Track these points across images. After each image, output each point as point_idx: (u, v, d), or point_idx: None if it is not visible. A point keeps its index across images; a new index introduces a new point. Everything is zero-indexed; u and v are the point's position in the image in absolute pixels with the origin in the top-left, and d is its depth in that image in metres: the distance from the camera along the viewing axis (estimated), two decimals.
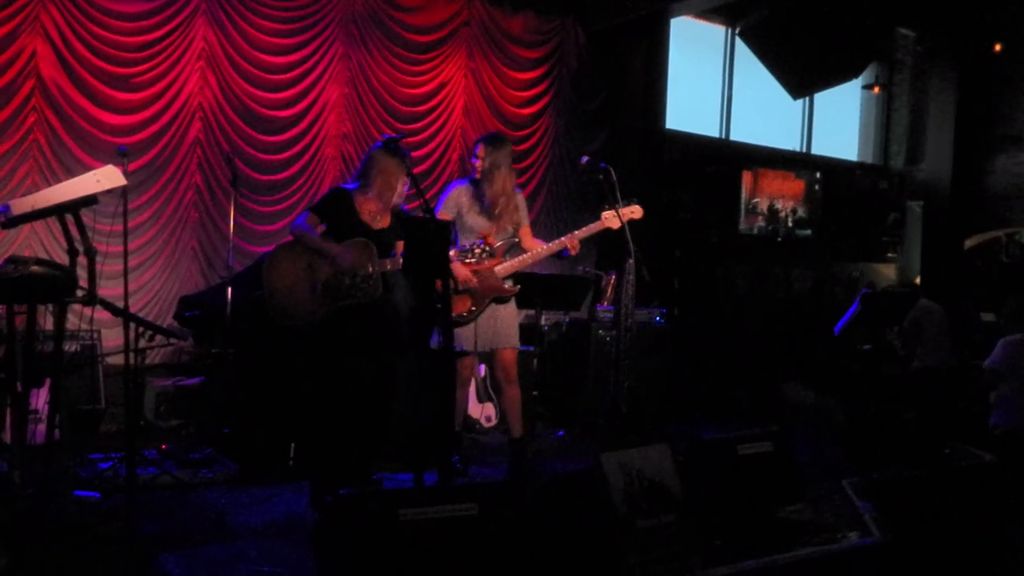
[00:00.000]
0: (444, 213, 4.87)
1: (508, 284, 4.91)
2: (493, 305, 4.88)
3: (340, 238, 4.36)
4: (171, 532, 3.89)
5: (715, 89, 9.57)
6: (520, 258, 4.90)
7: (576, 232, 4.86)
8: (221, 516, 4.17)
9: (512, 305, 4.98)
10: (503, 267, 4.85)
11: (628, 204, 4.90)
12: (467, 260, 4.63)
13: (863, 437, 6.00)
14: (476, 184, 4.91)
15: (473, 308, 4.82)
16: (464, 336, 4.85)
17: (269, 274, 4.32)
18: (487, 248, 4.60)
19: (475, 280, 4.78)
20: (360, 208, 4.43)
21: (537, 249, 4.90)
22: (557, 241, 4.87)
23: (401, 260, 4.36)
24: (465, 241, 4.77)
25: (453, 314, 4.73)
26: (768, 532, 3.90)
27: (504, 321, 4.92)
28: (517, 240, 4.97)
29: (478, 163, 4.88)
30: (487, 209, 4.87)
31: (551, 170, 8.00)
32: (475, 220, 4.88)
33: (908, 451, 5.59)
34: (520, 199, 5.04)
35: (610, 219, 4.86)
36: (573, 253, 4.87)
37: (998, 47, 8.82)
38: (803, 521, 4.09)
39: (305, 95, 6.78)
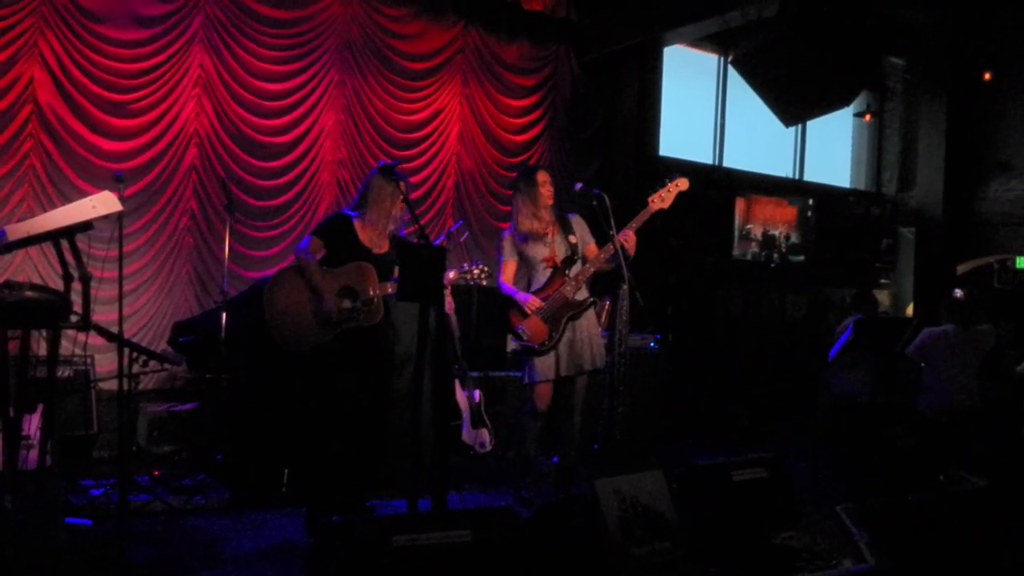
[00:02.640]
0: (508, 258, 5.01)
1: (577, 297, 4.92)
2: (571, 324, 4.89)
3: (341, 262, 4.43)
4: (163, 559, 3.88)
5: (708, 116, 9.63)
6: (582, 267, 4.94)
7: (631, 224, 4.82)
8: (213, 543, 4.15)
9: (589, 318, 4.98)
10: (569, 282, 4.89)
11: (673, 179, 4.97)
12: (536, 292, 4.87)
13: (858, 462, 5.99)
14: None
15: (554, 334, 4.85)
16: (545, 365, 4.86)
17: (272, 298, 4.35)
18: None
19: (539, 303, 4.85)
20: (360, 234, 4.49)
21: (595, 256, 4.93)
22: (613, 240, 4.79)
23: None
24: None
25: (535, 344, 4.83)
26: (763, 558, 3.89)
27: (586, 341, 4.92)
28: (579, 257, 5.01)
29: None
30: (540, 237, 4.98)
31: None
32: (534, 251, 4.98)
33: (903, 477, 5.59)
34: (577, 220, 5.12)
35: (657, 201, 4.91)
36: (629, 244, 4.81)
37: (987, 75, 8.90)
38: (798, 547, 4.09)
39: (301, 121, 6.81)
